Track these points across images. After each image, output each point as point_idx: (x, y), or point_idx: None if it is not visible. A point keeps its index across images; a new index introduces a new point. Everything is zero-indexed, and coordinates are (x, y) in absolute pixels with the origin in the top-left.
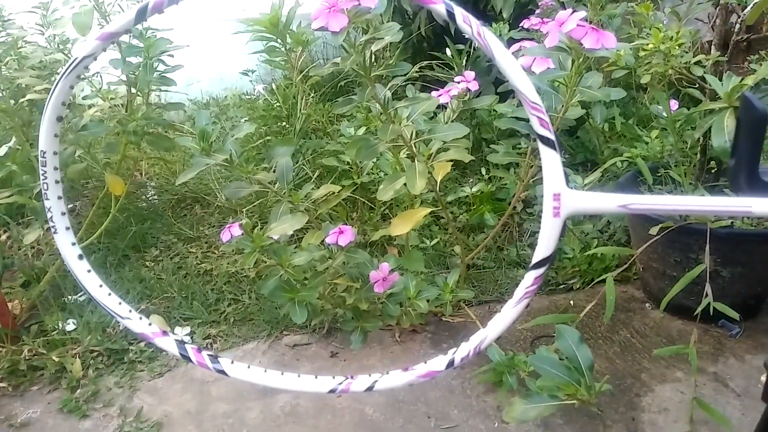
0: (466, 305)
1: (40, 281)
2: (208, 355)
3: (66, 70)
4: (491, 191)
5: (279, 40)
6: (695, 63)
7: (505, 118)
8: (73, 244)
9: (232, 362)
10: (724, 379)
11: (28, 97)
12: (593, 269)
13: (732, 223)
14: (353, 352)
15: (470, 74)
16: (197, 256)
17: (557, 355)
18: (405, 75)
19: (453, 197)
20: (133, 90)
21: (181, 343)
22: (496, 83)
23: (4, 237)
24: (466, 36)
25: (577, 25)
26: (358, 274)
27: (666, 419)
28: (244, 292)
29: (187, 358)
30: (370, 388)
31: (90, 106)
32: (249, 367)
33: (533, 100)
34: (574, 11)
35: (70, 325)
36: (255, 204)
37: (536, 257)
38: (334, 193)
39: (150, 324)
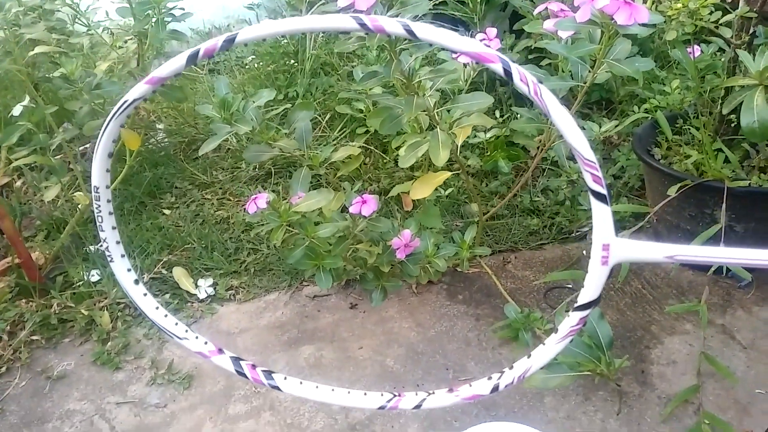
0: (480, 257)
1: (60, 231)
2: (263, 371)
3: (116, 112)
4: (505, 135)
5: None
6: (723, 24)
7: None
8: (129, 270)
9: (285, 378)
10: (732, 331)
11: (37, 50)
12: None
13: (749, 183)
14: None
15: (492, 31)
16: (213, 203)
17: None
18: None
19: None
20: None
21: (236, 360)
22: (511, 19)
23: (18, 183)
24: (523, 94)
25: (610, 0)
26: (380, 237)
27: (674, 371)
28: (262, 241)
29: (243, 375)
30: (417, 406)
31: (101, 57)
32: (301, 383)
33: (588, 158)
34: None
35: (95, 276)
36: None
37: (582, 299)
38: (353, 156)
39: (206, 343)
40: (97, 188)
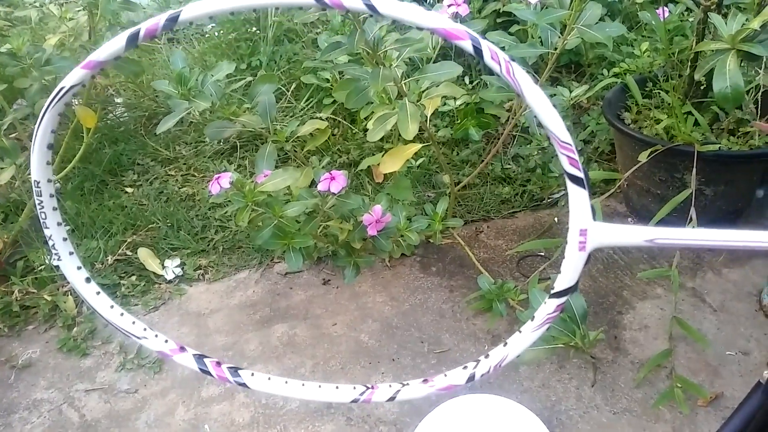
0: (453, 228)
1: (18, 214)
2: (228, 368)
3: (53, 100)
4: (475, 102)
5: None
6: None
7: None
8: (79, 268)
9: (252, 374)
10: (702, 294)
11: None
12: None
13: (719, 147)
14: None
15: None
16: (177, 180)
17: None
18: None
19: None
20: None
21: (199, 358)
22: None
23: None
24: (495, 73)
25: None
26: (350, 214)
27: (646, 336)
28: (230, 218)
29: (207, 373)
30: (391, 399)
31: (51, 31)
32: (269, 378)
33: (564, 140)
34: None
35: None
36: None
37: (559, 286)
38: (320, 129)
39: (166, 341)
40: (38, 183)
